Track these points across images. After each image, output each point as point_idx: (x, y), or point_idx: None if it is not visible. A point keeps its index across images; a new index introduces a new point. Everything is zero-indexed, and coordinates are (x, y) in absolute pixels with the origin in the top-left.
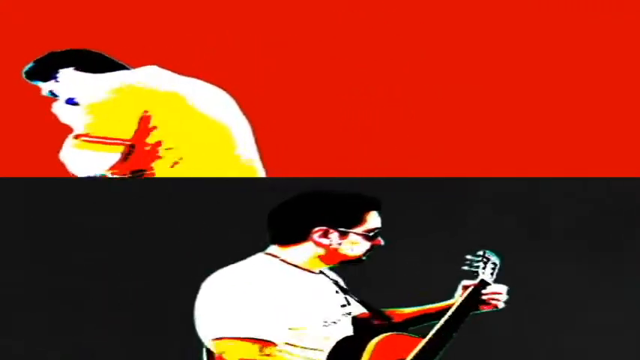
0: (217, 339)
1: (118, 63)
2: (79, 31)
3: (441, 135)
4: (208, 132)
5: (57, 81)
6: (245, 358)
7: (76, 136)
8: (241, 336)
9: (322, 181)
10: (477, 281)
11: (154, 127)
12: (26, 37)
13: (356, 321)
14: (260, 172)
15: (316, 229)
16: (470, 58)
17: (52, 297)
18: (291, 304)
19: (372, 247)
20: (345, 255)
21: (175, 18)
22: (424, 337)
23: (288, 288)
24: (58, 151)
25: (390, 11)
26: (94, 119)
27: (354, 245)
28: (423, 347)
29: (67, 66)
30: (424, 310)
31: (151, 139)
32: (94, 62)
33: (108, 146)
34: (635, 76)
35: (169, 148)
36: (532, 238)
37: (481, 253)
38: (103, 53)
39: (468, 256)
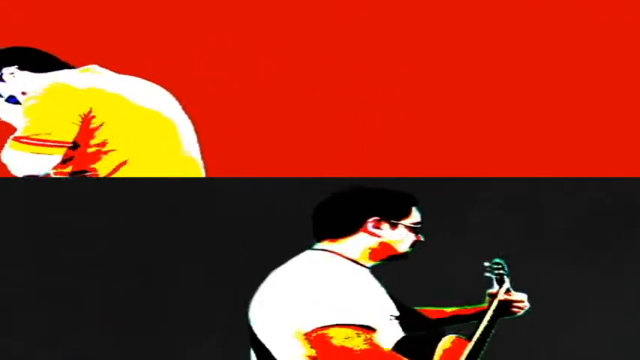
0: (320, 328)
1: (61, 62)
2: (22, 29)
3: (441, 135)
4: (154, 129)
5: (2, 80)
6: (349, 344)
7: (16, 138)
8: (348, 323)
9: (323, 181)
10: (504, 289)
11: (98, 127)
12: None
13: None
14: (202, 171)
15: (370, 219)
16: (469, 58)
17: (52, 297)
18: (368, 296)
19: (414, 242)
20: (394, 249)
21: (117, 17)
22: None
23: (359, 280)
24: None
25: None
26: (34, 121)
27: (402, 238)
28: (470, 353)
29: (10, 64)
30: (457, 311)
31: (95, 140)
32: (37, 61)
33: (48, 148)
34: (635, 76)
35: (114, 149)
36: (532, 238)
37: (499, 261)
38: (46, 52)
39: (487, 264)
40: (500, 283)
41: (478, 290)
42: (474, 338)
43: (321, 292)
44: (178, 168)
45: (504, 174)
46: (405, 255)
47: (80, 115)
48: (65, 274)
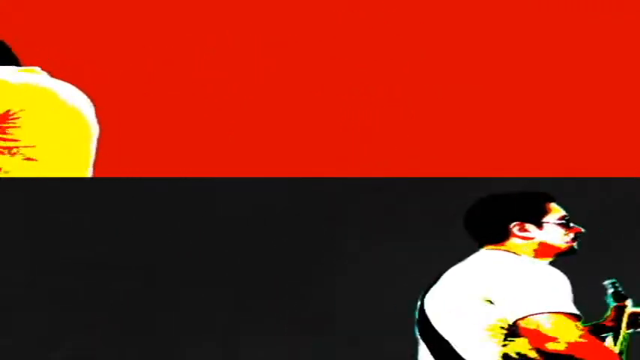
0: (530, 315)
1: (14, 57)
2: None
3: (441, 135)
4: (75, 132)
5: None
6: (564, 330)
7: None
8: (563, 311)
9: (323, 181)
10: (631, 302)
11: (17, 126)
12: None
13: None
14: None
15: (512, 224)
16: (469, 58)
17: (52, 297)
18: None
19: (575, 235)
20: (553, 246)
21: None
22: None
23: (549, 272)
24: None
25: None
26: None
27: (555, 234)
28: None
29: None
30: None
31: (7, 136)
32: None
33: None
34: (635, 76)
35: (26, 146)
36: None
37: (614, 280)
38: (4, 43)
39: (605, 282)
40: (622, 298)
41: None
42: (617, 350)
43: (525, 283)
44: (80, 169)
45: (504, 174)
46: (571, 250)
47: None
48: (65, 274)
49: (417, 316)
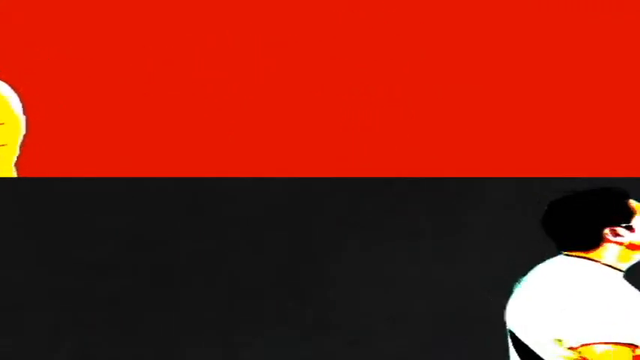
0: (585, 344)
1: None
2: None
3: (441, 135)
4: (15, 132)
5: None
6: None
7: None
8: (613, 341)
9: (323, 181)
10: None
11: None
12: None
13: None
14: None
15: (606, 230)
16: (470, 58)
17: (52, 297)
18: (630, 306)
19: None
20: None
21: None
22: None
23: (619, 291)
24: (60, 151)
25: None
26: None
27: None
28: None
29: None
30: None
31: None
32: None
33: None
34: (635, 76)
35: None
36: (532, 238)
37: None
38: None
39: None
40: None
41: (477, 289)
42: None
43: (586, 307)
44: (9, 171)
45: (504, 174)
46: None
47: None
48: (65, 274)
49: (507, 329)
